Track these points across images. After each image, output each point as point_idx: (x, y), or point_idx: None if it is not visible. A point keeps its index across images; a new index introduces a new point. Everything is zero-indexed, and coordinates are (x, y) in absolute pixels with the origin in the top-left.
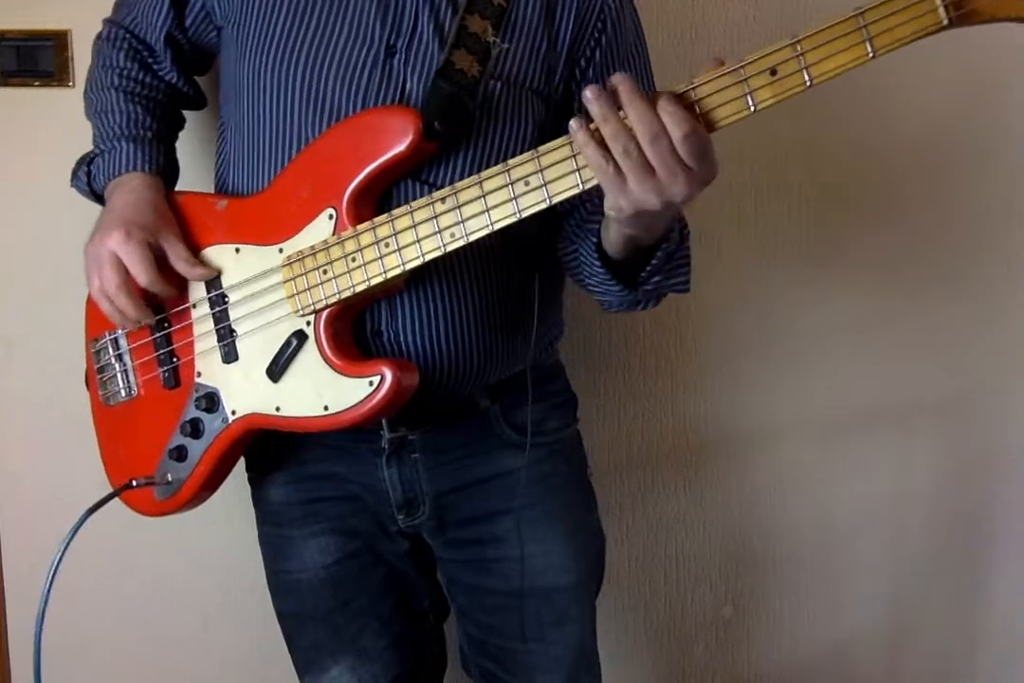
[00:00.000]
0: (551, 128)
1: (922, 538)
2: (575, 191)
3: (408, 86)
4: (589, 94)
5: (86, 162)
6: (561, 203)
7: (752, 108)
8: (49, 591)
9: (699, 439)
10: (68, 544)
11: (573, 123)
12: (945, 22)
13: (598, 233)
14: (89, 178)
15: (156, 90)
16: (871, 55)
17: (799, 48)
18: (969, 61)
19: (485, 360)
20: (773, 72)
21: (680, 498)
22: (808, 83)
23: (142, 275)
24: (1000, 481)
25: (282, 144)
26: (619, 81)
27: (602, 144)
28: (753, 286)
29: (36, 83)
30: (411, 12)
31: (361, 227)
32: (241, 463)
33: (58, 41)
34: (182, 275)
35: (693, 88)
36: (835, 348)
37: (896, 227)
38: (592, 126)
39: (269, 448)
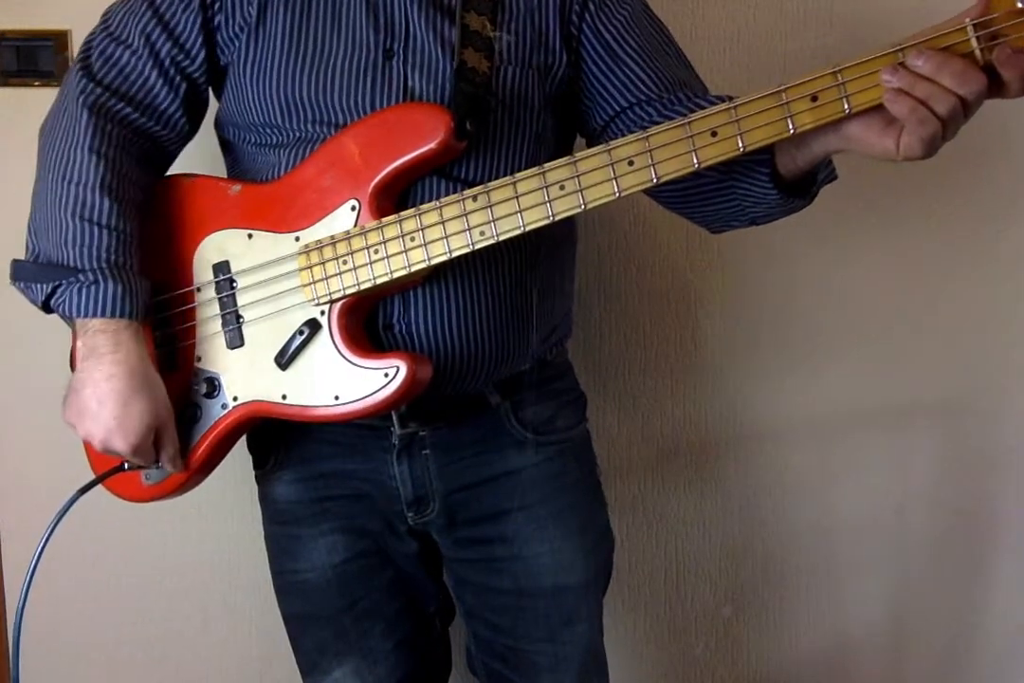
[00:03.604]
0: (555, 105)
1: (922, 538)
2: (611, 198)
3: (411, 83)
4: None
5: (48, 281)
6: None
7: (792, 130)
8: (32, 575)
9: (699, 439)
10: (55, 525)
11: (891, 78)
12: (980, 63)
13: (766, 163)
14: (48, 299)
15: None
16: None
17: (840, 77)
18: None
19: (496, 353)
20: (814, 98)
21: (680, 498)
22: (847, 111)
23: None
24: (1000, 481)
25: (296, 161)
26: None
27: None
28: (753, 287)
29: (36, 83)
30: (401, 15)
31: (386, 220)
32: (247, 462)
33: (58, 41)
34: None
35: (734, 106)
36: (835, 348)
37: (897, 227)
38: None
39: (277, 446)
